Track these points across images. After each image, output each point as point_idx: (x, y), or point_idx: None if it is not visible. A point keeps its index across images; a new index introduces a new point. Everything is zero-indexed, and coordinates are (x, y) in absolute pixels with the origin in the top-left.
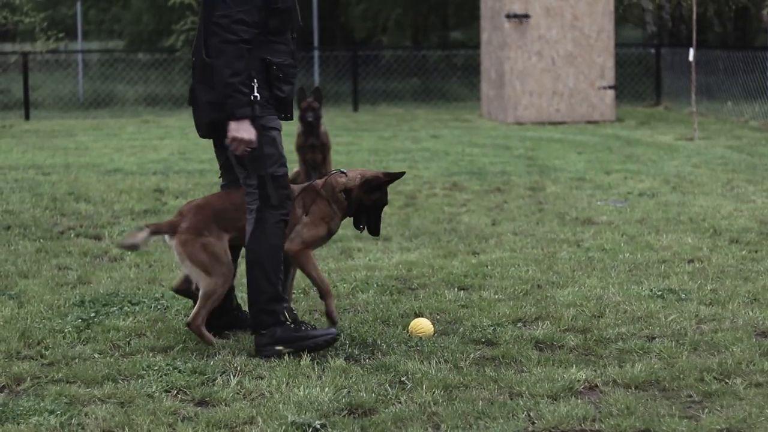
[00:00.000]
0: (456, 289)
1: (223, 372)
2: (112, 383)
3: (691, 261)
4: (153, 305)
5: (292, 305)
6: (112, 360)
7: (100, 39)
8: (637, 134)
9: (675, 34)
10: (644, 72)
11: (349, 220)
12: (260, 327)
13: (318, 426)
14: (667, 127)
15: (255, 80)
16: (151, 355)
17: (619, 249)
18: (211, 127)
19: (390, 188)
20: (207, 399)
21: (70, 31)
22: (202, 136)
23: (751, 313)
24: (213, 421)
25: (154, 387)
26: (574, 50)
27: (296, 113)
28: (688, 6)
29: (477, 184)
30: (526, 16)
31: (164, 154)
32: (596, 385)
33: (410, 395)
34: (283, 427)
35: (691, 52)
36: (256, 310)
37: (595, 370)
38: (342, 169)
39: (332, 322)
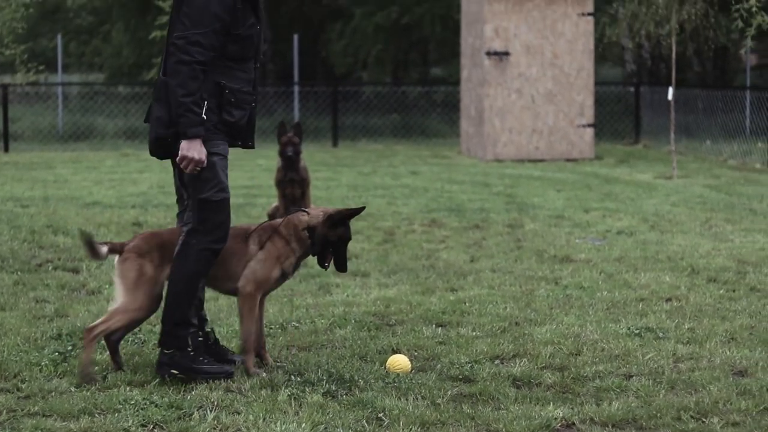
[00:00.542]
0: (434, 325)
1: (200, 407)
2: (89, 417)
3: (668, 300)
4: (130, 339)
5: (209, 329)
6: (88, 394)
7: (81, 72)
8: (616, 172)
9: (654, 72)
10: (623, 110)
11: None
12: (164, 346)
13: None
14: (646, 166)
15: (205, 102)
16: (127, 389)
17: (597, 287)
18: (157, 143)
19: (369, 224)
20: None
21: (51, 64)
22: (151, 153)
23: (728, 353)
24: None
25: (131, 421)
26: (553, 88)
27: (277, 148)
28: (668, 45)
29: (456, 220)
30: (506, 53)
31: (143, 188)
32: (573, 423)
33: None
34: None
35: (671, 90)
36: (163, 330)
37: (572, 408)
38: (303, 208)
39: (249, 375)
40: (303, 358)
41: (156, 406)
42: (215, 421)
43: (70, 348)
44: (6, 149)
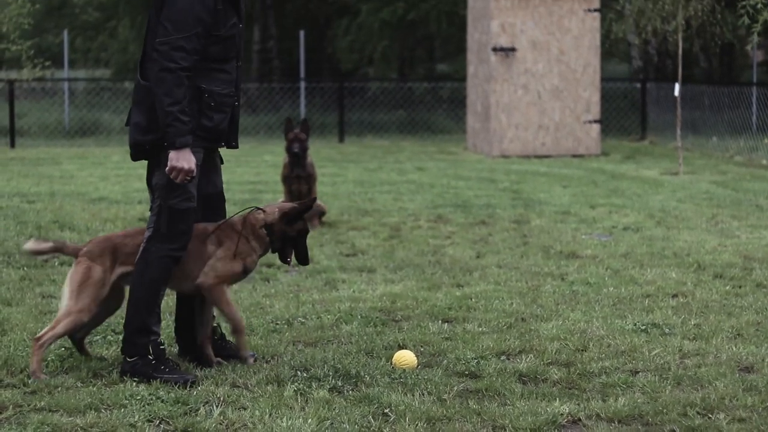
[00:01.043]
0: (440, 321)
1: (206, 402)
2: (95, 412)
3: (675, 296)
4: None
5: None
6: (94, 389)
7: (87, 67)
8: (622, 168)
9: (661, 69)
10: (630, 106)
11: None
12: (126, 353)
13: None
14: (652, 162)
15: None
16: (133, 384)
17: (603, 283)
18: (135, 149)
19: (375, 220)
20: (189, 429)
21: (57, 60)
22: (131, 157)
23: (734, 348)
24: None
25: (137, 416)
26: (560, 84)
27: (283, 144)
28: (674, 41)
29: (462, 216)
30: (513, 49)
31: None
32: (579, 419)
33: (393, 427)
34: None
35: (677, 87)
36: (124, 337)
37: (578, 404)
38: (258, 206)
39: (242, 359)
40: (309, 353)
41: (162, 401)
42: (221, 417)
43: None
44: (12, 145)
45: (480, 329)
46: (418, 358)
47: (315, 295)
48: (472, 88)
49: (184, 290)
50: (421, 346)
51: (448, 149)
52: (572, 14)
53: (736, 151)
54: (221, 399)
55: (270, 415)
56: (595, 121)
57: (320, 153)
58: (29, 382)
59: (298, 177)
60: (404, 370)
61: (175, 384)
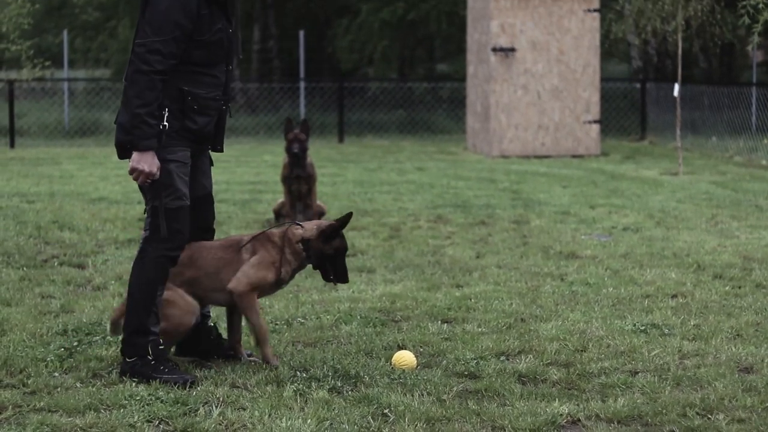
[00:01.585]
0: (439, 321)
1: (206, 402)
2: (94, 413)
3: (674, 296)
4: None
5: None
6: (94, 389)
7: (87, 67)
8: (621, 169)
9: (660, 69)
10: (629, 107)
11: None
12: (125, 354)
13: None
14: (651, 162)
15: (166, 109)
16: (133, 384)
17: (603, 283)
18: (120, 148)
19: (374, 220)
20: (189, 429)
21: (57, 60)
22: (118, 155)
23: (734, 349)
24: None
25: (136, 417)
26: (559, 84)
27: (283, 144)
28: (674, 41)
29: (461, 217)
30: (512, 49)
31: None
32: (579, 420)
33: (393, 428)
34: None
35: (677, 87)
36: (123, 338)
37: (577, 405)
38: (297, 222)
39: (272, 367)
40: (308, 354)
41: (161, 401)
42: (221, 417)
43: (75, 344)
44: (12, 145)
45: (479, 330)
46: (417, 359)
47: (314, 295)
48: (471, 88)
49: (219, 302)
50: (421, 347)
51: (447, 149)
52: (572, 14)
53: (735, 152)
54: (221, 399)
55: (269, 415)
56: (595, 122)
57: (320, 153)
58: (29, 382)
59: (298, 177)
60: (404, 370)
61: (175, 384)
